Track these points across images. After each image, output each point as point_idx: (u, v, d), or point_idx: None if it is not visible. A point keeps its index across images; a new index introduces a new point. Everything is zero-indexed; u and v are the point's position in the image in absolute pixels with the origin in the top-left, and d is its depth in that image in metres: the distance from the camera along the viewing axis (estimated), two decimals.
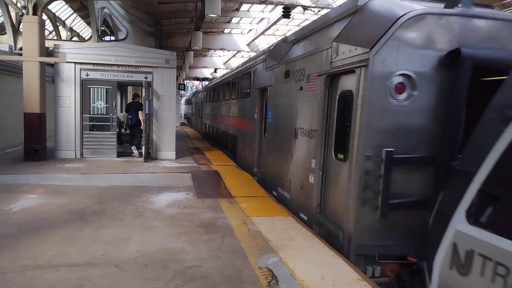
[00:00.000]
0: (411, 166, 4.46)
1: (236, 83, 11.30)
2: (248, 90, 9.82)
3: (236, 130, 11.63)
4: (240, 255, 4.55)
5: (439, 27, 4.38)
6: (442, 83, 4.36)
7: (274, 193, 7.74)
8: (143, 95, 11.86)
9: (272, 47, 8.26)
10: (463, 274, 2.88)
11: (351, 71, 4.77)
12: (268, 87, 8.09)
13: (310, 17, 16.38)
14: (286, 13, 12.98)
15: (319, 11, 14.82)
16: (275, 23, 16.75)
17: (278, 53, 7.73)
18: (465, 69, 4.13)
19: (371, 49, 4.34)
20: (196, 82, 61.18)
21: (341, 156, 5.14)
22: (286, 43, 7.66)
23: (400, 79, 4.37)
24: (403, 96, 4.40)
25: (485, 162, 2.82)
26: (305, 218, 6.06)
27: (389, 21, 4.39)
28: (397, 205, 4.43)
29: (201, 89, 25.95)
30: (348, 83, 4.98)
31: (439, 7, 4.70)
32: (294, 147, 6.67)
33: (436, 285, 3.18)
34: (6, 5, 14.91)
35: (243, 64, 10.65)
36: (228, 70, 12.66)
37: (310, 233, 5.47)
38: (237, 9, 16.57)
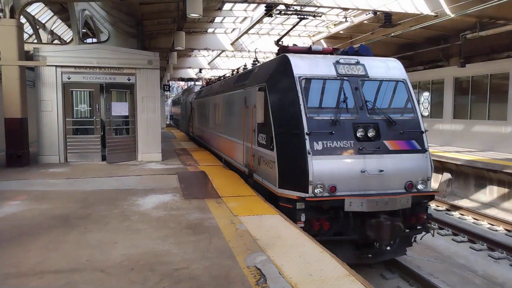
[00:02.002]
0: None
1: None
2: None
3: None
4: (228, 255, 4.53)
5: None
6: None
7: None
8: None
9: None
10: (258, 164, 7.85)
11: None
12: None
13: (292, 14, 16.42)
14: (269, 11, 12.98)
15: (301, 8, 14.84)
16: (258, 21, 16.75)
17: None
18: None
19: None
20: (182, 83, 60.89)
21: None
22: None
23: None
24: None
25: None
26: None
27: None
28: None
29: (192, 88, 25.95)
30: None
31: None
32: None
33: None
34: None
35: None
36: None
37: (298, 230, 5.48)
38: (220, 9, 16.51)
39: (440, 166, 13.63)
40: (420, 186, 6.82)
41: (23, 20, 11.75)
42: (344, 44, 19.49)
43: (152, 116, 11.90)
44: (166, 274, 4.00)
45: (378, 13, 14.22)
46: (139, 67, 11.69)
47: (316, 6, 13.40)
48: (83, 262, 4.28)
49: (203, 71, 33.54)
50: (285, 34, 11.01)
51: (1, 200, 6.95)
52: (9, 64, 10.32)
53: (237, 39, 20.11)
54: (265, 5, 12.81)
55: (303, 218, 6.31)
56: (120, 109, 11.87)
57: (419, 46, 18.87)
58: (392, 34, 16.03)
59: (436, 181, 13.84)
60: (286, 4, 12.30)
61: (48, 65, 11.00)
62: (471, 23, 14.55)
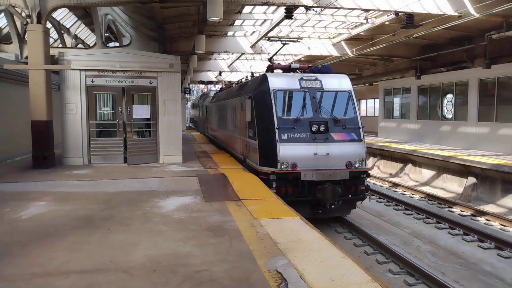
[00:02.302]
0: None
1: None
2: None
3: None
4: (249, 258, 4.52)
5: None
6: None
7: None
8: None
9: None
10: (248, 151, 10.94)
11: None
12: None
13: (313, 16, 16.35)
14: (289, 14, 12.94)
15: (321, 10, 14.78)
16: (278, 24, 16.71)
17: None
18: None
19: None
20: (202, 86, 61.34)
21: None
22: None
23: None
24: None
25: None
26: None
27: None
28: None
29: (208, 93, 28.37)
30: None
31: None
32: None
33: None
34: (11, 15, 15.04)
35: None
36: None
37: (319, 234, 5.43)
38: (240, 12, 16.55)
39: (464, 170, 13.31)
40: (357, 165, 9.62)
41: (48, 25, 12.07)
42: (365, 45, 19.28)
43: (173, 119, 12.01)
44: (188, 276, 4.02)
45: (399, 14, 13.99)
46: (160, 70, 11.83)
47: (336, 8, 13.29)
48: (107, 263, 4.35)
49: (223, 74, 33.71)
50: (274, 54, 13.70)
51: (28, 201, 7.14)
52: (36, 68, 10.60)
53: (256, 41, 20.13)
54: (285, 7, 12.77)
55: (274, 185, 9.12)
56: (141, 112, 12.04)
57: (442, 47, 18.52)
58: (414, 35, 15.76)
59: (460, 186, 13.52)
60: (306, 6, 12.23)
61: (72, 69, 11.24)
62: (497, 22, 14.18)
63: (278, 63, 12.24)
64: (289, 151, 9.33)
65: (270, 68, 11.61)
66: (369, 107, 29.78)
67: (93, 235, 5.31)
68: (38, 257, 4.49)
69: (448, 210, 11.88)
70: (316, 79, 10.27)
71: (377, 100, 25.93)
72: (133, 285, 3.83)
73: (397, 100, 22.25)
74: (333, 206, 9.55)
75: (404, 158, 16.85)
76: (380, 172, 18.30)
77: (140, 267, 4.25)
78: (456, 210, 11.86)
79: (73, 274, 4.04)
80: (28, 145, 11.38)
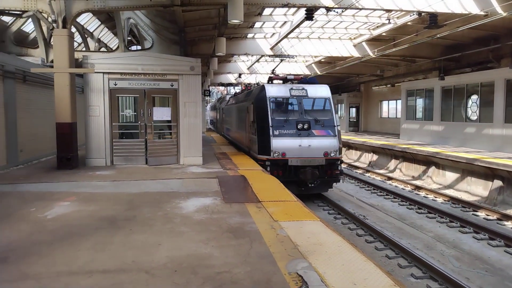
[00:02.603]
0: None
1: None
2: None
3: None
4: (269, 260, 4.51)
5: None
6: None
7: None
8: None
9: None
10: (251, 144, 13.84)
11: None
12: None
13: (334, 17, 16.25)
14: (309, 15, 12.89)
15: (342, 11, 14.66)
16: (298, 25, 16.67)
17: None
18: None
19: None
20: (221, 88, 61.72)
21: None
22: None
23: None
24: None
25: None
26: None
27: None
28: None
29: (224, 97, 31.78)
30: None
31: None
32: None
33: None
34: (38, 21, 15.47)
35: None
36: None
37: (340, 237, 5.37)
38: (260, 14, 16.59)
39: (490, 173, 12.96)
40: (332, 154, 12.17)
41: (73, 29, 12.36)
42: (387, 46, 19.02)
43: (194, 121, 12.11)
44: (208, 277, 4.04)
45: (422, 14, 13.75)
46: (181, 73, 11.95)
47: (357, 8, 13.16)
48: (129, 263, 4.41)
49: (242, 76, 33.83)
50: (274, 68, 17.18)
51: (53, 201, 7.31)
52: (61, 71, 10.87)
53: (276, 43, 20.12)
54: (305, 8, 12.73)
55: (269, 169, 11.82)
56: (162, 114, 12.19)
57: (466, 47, 18.10)
58: (438, 36, 15.46)
59: (485, 189, 13.17)
60: (327, 7, 12.15)
61: (96, 72, 11.48)
62: None
63: (277, 75, 15.22)
64: (280, 144, 12.10)
65: (271, 79, 14.73)
66: (391, 108, 29.31)
67: (116, 235, 5.40)
68: (63, 256, 4.60)
69: (473, 214, 11.58)
70: (303, 88, 12.95)
71: (399, 102, 25.51)
72: (154, 285, 3.88)
73: (419, 102, 21.85)
74: (312, 185, 12.23)
75: (427, 161, 16.53)
76: (402, 174, 18.00)
77: (162, 267, 4.30)
78: (481, 214, 11.55)
79: (97, 274, 4.12)
80: (53, 146, 11.67)
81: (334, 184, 13.07)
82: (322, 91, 13.18)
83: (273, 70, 16.73)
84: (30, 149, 12.57)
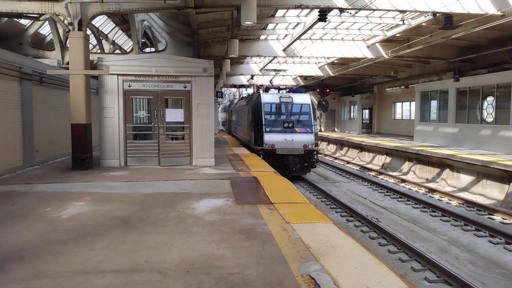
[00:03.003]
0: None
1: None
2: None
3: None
4: (281, 262, 4.50)
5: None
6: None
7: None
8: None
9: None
10: (250, 139, 18.22)
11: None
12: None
13: (347, 19, 16.17)
14: (322, 16, 12.84)
15: (356, 12, 14.57)
16: (311, 27, 16.62)
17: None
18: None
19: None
20: (234, 89, 61.92)
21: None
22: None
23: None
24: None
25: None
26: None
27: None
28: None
29: (233, 100, 38.12)
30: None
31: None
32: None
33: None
34: (55, 23, 15.74)
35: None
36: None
37: (353, 240, 5.34)
38: (273, 15, 16.58)
39: (506, 176, 12.72)
40: (309, 146, 15.73)
41: (88, 32, 12.54)
42: (401, 47, 18.83)
43: (206, 122, 12.17)
44: (221, 278, 4.05)
45: (437, 14, 13.58)
46: (194, 75, 12.02)
47: (371, 9, 13.07)
48: (142, 263, 4.45)
49: (255, 77, 33.87)
50: (271, 80, 24.16)
51: (68, 201, 7.43)
52: (76, 73, 11.03)
53: (289, 44, 20.09)
54: (318, 10, 12.68)
55: (262, 157, 14.98)
56: (174, 115, 12.28)
57: (482, 48, 17.81)
58: (453, 36, 15.25)
59: (502, 192, 12.93)
60: (341, 8, 12.10)
61: (110, 74, 11.62)
62: None
63: (273, 85, 20.52)
64: (271, 138, 15.83)
65: (267, 88, 18.81)
66: (405, 110, 28.99)
67: (129, 235, 5.45)
68: (77, 256, 4.66)
69: (488, 217, 11.37)
70: (290, 96, 16.78)
71: (413, 103, 25.23)
72: (167, 286, 3.91)
73: (434, 103, 21.58)
74: (294, 169, 15.93)
75: (441, 163, 16.31)
76: (415, 177, 17.79)
77: (174, 268, 4.33)
78: (497, 217, 11.34)
79: (110, 273, 4.17)
80: (68, 147, 11.84)
81: (315, 170, 18.17)
82: (304, 98, 16.98)
83: (271, 80, 23.90)
84: (46, 149, 12.78)
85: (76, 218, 6.33)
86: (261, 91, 18.09)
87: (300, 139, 15.81)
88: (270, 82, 20.64)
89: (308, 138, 15.92)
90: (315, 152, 16.02)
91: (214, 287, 3.86)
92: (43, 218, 6.32)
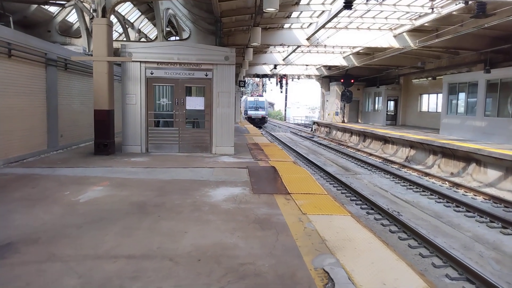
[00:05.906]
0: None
1: None
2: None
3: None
4: (295, 254, 4.40)
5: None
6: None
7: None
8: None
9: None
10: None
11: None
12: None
13: (373, 7, 15.67)
14: (348, 4, 12.48)
15: (383, 0, 14.12)
16: (336, 15, 16.21)
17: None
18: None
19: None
20: (257, 79, 61.99)
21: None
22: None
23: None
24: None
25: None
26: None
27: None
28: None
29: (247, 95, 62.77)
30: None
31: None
32: None
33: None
34: (81, 11, 15.94)
35: None
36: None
37: (371, 234, 5.17)
38: (297, 3, 16.26)
39: None
40: (263, 115, 49.97)
41: (114, 19, 12.62)
42: (429, 37, 18.18)
43: (227, 111, 12.11)
44: (232, 268, 3.98)
45: (470, 2, 12.98)
46: (216, 63, 11.95)
47: None
48: (154, 250, 4.43)
49: (278, 67, 33.54)
50: (263, 85, 70.10)
51: (87, 185, 7.52)
52: (99, 60, 11.13)
53: (313, 33, 19.71)
54: None
55: (247, 120, 48.79)
56: (194, 103, 12.27)
57: None
58: (485, 25, 14.56)
59: None
60: None
61: (133, 61, 11.68)
62: None
63: (255, 93, 60.87)
64: (250, 113, 47.94)
65: (253, 95, 55.89)
66: (431, 102, 28.11)
67: (144, 221, 5.45)
68: (91, 240, 4.68)
69: None
70: (258, 98, 51.37)
71: (440, 95, 24.45)
72: (177, 274, 3.86)
73: (462, 96, 20.82)
74: (259, 123, 45.08)
75: (468, 157, 15.75)
76: (440, 171, 17.28)
77: (186, 255, 4.28)
78: None
79: (121, 259, 4.16)
80: (91, 132, 12.02)
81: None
82: (263, 99, 51.20)
83: (264, 87, 64.47)
84: (70, 134, 13.02)
85: (93, 202, 6.39)
86: (246, 96, 48.41)
87: (260, 113, 48.17)
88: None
89: (263, 113, 48.61)
90: (265, 119, 49.76)
91: (224, 277, 3.79)
92: (61, 201, 6.40)
